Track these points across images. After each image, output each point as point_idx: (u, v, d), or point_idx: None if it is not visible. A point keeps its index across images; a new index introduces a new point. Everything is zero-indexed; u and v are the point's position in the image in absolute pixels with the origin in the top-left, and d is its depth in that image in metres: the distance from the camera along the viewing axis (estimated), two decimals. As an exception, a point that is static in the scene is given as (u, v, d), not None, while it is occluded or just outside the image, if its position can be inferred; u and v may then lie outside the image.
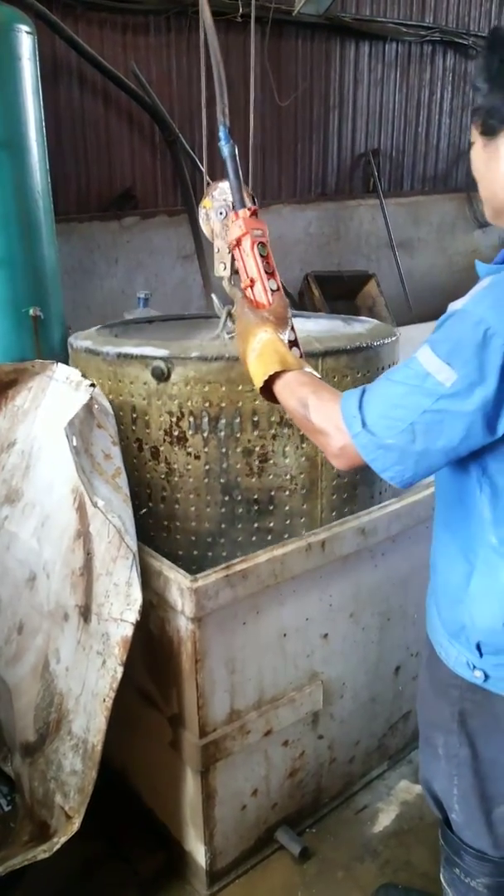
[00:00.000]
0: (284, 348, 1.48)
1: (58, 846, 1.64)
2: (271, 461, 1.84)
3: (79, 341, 2.00)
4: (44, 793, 1.81)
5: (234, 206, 1.70)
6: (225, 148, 1.72)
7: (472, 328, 1.12)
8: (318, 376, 1.46)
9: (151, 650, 1.81)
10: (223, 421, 1.81)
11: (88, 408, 1.86)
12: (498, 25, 1.20)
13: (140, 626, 1.61)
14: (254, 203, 1.70)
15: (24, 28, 3.01)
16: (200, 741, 1.76)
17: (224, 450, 1.81)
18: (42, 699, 1.87)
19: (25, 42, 3.01)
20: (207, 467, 1.89)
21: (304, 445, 1.84)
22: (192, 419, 1.81)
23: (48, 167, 3.27)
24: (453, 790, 1.48)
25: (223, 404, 1.80)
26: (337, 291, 5.69)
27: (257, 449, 1.82)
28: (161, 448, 1.87)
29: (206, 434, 1.82)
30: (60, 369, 2.14)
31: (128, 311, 3.99)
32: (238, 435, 1.81)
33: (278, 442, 1.83)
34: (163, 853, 2.02)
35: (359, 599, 2.00)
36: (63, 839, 1.64)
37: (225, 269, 1.89)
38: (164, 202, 4.95)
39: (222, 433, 1.81)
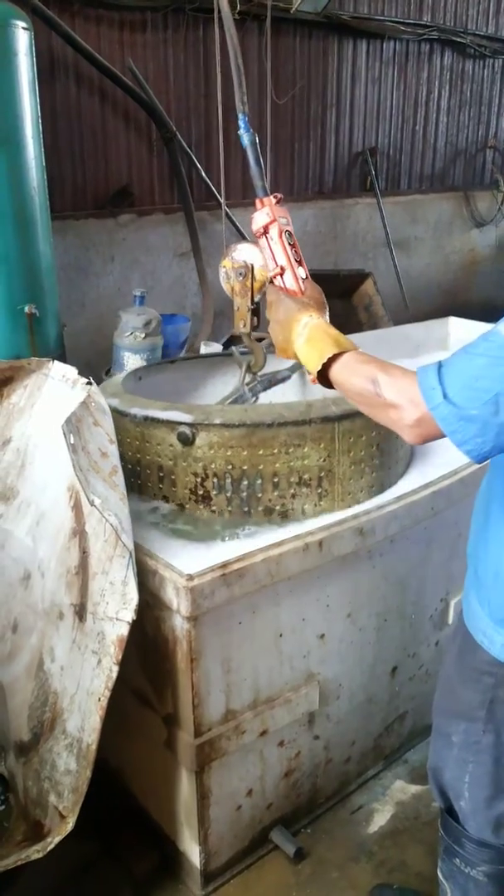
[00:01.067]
0: (335, 331, 1.47)
1: (52, 846, 1.63)
2: (291, 519, 1.89)
3: (107, 399, 2.01)
4: (38, 792, 1.80)
5: (257, 194, 1.69)
6: (245, 136, 1.71)
7: None
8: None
9: (146, 649, 1.81)
10: (245, 482, 1.87)
11: (85, 405, 1.85)
12: None
13: (135, 626, 1.60)
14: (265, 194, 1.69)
15: (21, 24, 3.00)
16: (195, 741, 1.76)
17: (246, 508, 1.87)
18: (36, 698, 1.86)
19: (22, 38, 3.00)
20: (232, 524, 1.95)
21: (321, 503, 1.91)
22: (215, 480, 1.88)
23: (44, 164, 3.26)
24: (465, 777, 1.50)
25: (245, 467, 1.86)
26: (333, 290, 5.66)
27: (277, 507, 1.88)
28: (186, 505, 1.93)
29: (229, 494, 1.88)
30: (56, 367, 2.12)
31: (123, 308, 3.98)
32: (259, 495, 1.87)
33: (297, 500, 1.89)
34: (157, 853, 2.02)
35: (356, 600, 2.00)
36: (57, 839, 1.63)
37: (245, 326, 1.96)
38: (161, 200, 4.93)
39: (244, 493, 1.87)
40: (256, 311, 1.97)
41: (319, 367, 1.43)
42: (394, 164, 6.32)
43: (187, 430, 1.87)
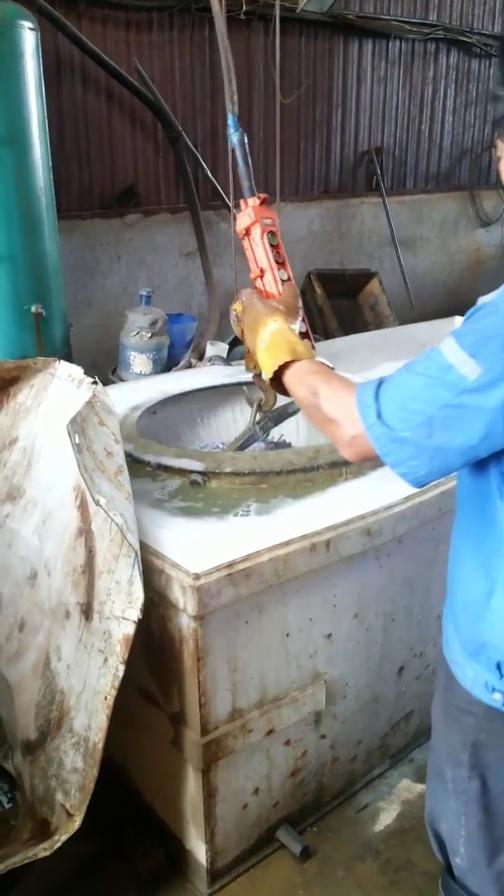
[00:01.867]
0: (295, 337, 1.46)
1: (59, 844, 1.63)
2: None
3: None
4: (45, 790, 1.81)
5: (243, 195, 1.69)
6: (234, 136, 1.71)
7: (500, 321, 1.06)
8: (331, 366, 1.45)
9: (153, 648, 1.81)
10: None
11: (91, 405, 1.85)
12: None
13: (141, 624, 1.60)
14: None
15: (28, 24, 3.01)
16: (202, 739, 1.76)
17: None
18: (43, 697, 1.87)
19: (28, 38, 3.01)
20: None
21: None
22: None
23: (51, 164, 3.27)
24: (461, 831, 1.40)
25: None
26: (339, 289, 5.68)
27: None
28: None
29: None
30: (62, 366, 2.13)
31: (129, 308, 3.99)
32: None
33: None
34: (163, 851, 2.02)
35: (363, 600, 2.00)
36: (64, 837, 1.64)
37: (255, 367, 1.96)
38: (167, 199, 4.94)
39: None
40: None
41: (271, 375, 1.43)
42: (399, 163, 6.32)
43: (199, 478, 1.94)
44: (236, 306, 1.92)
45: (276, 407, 2.24)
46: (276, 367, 1.43)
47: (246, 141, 1.73)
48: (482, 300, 1.13)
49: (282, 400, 2.20)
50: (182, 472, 2.01)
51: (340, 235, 6.01)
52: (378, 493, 1.96)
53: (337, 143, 5.81)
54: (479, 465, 1.21)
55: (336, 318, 5.43)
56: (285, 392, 1.45)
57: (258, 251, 1.63)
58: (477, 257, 7.04)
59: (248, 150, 1.72)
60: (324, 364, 1.43)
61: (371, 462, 1.25)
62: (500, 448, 1.13)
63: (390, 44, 5.87)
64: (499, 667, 1.25)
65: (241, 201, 1.68)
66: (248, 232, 1.65)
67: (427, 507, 1.97)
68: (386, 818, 2.19)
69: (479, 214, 6.95)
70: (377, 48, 5.81)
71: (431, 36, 6.05)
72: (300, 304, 1.58)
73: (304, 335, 1.55)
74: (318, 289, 5.46)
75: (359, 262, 6.10)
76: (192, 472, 1.96)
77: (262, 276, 1.62)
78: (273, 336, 1.46)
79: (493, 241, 7.10)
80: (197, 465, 1.97)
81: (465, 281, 6.95)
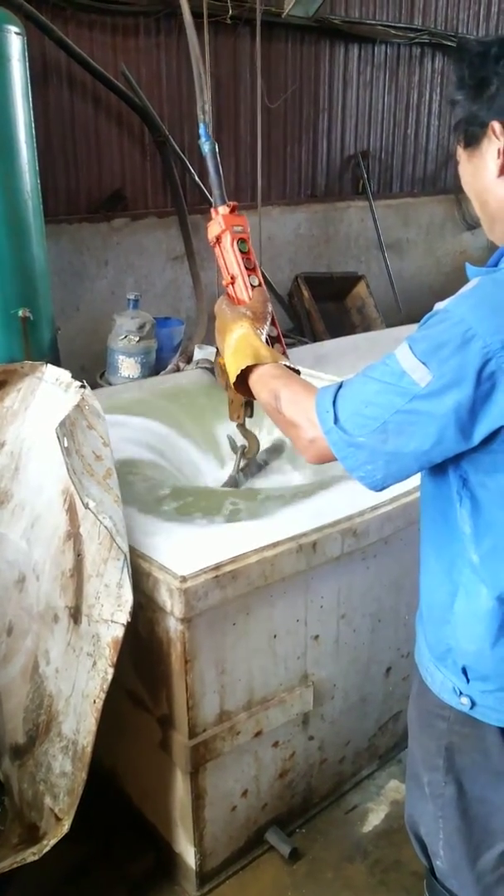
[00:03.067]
0: (259, 342, 1.48)
1: (47, 848, 1.63)
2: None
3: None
4: (33, 795, 1.81)
5: (213, 203, 1.71)
6: (205, 145, 1.72)
7: (451, 328, 1.07)
8: (297, 370, 1.47)
9: (141, 651, 1.81)
10: None
11: (79, 408, 1.86)
12: (462, 36, 1.19)
13: (129, 628, 1.60)
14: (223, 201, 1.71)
15: (14, 29, 3.01)
16: (190, 742, 1.76)
17: None
18: (31, 701, 1.86)
19: (15, 43, 3.01)
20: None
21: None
22: None
23: (37, 168, 3.27)
24: (439, 834, 1.40)
25: None
26: (326, 293, 5.70)
27: None
28: None
29: None
30: (50, 370, 2.13)
31: (117, 312, 3.99)
32: None
33: None
34: (152, 854, 2.02)
35: (350, 601, 2.01)
36: (53, 841, 1.64)
37: (238, 417, 2.04)
38: (154, 203, 4.94)
39: None
40: (250, 402, 2.03)
41: (234, 379, 1.46)
42: (386, 167, 6.34)
43: None
44: (221, 360, 1.97)
45: (259, 453, 2.27)
46: (238, 372, 1.45)
47: (217, 150, 1.75)
48: (438, 306, 1.15)
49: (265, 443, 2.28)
50: None
51: (327, 239, 6.03)
52: (364, 493, 1.98)
53: (323, 147, 5.83)
54: (440, 471, 1.23)
55: (323, 320, 5.45)
56: (251, 395, 1.49)
57: (229, 258, 1.66)
58: (463, 260, 7.05)
59: (219, 159, 1.74)
60: (288, 368, 1.45)
61: (330, 463, 1.27)
62: (452, 454, 1.15)
63: (376, 48, 5.90)
64: (464, 671, 1.26)
65: (212, 210, 1.70)
66: (218, 240, 1.68)
67: (413, 507, 1.98)
68: (374, 819, 2.20)
69: (466, 218, 6.98)
70: (363, 52, 5.83)
71: (417, 40, 6.08)
72: (269, 308, 1.60)
73: (274, 339, 1.57)
74: (305, 292, 5.48)
75: (346, 266, 6.12)
76: None
77: (233, 283, 1.64)
78: (238, 341, 1.49)
79: (479, 244, 7.14)
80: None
81: (452, 284, 6.97)
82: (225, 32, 4.82)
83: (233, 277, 1.65)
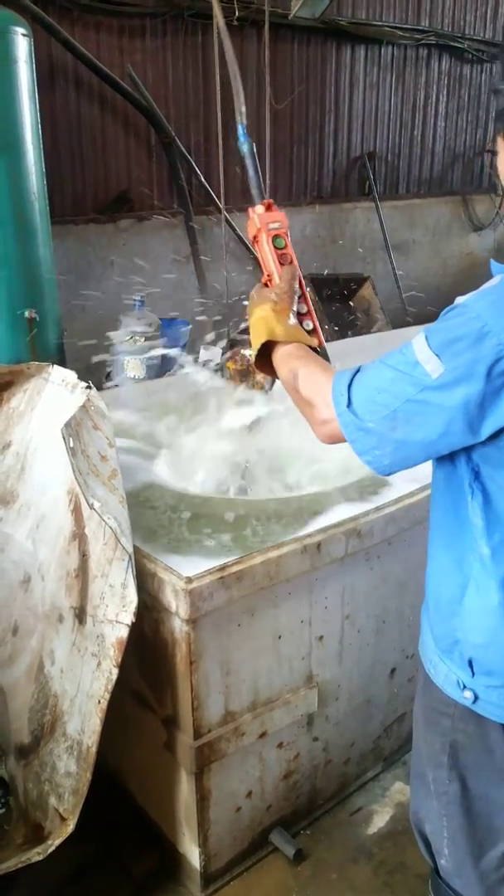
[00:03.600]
0: (275, 321, 1.49)
1: (52, 848, 1.64)
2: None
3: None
4: (38, 795, 1.81)
5: (253, 201, 1.73)
6: (244, 146, 1.73)
7: (467, 323, 1.08)
8: (321, 351, 1.48)
9: (145, 652, 1.82)
10: None
11: (85, 409, 1.86)
12: None
13: (134, 628, 1.61)
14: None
15: (21, 30, 3.02)
16: (195, 743, 1.76)
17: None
18: (36, 701, 1.87)
19: (22, 44, 3.02)
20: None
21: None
22: None
23: (44, 170, 3.28)
24: (443, 832, 1.41)
25: None
26: (333, 294, 5.70)
27: None
28: None
29: None
30: (56, 371, 2.14)
31: (123, 313, 3.99)
32: None
33: None
34: (157, 855, 2.02)
35: (354, 602, 2.01)
36: (57, 841, 1.64)
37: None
38: (160, 205, 4.96)
39: None
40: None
41: (255, 355, 1.48)
42: (392, 168, 6.34)
43: None
44: (230, 364, 2.04)
45: None
46: (255, 349, 1.48)
47: (255, 151, 1.75)
48: (459, 300, 1.15)
49: None
50: None
51: (333, 240, 6.03)
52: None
53: (330, 149, 5.84)
54: (452, 465, 1.24)
55: (329, 322, 5.45)
56: (271, 373, 1.50)
57: (265, 256, 1.67)
58: (470, 261, 7.07)
59: (256, 159, 1.74)
60: (307, 349, 1.46)
61: (340, 444, 1.29)
62: (459, 446, 1.16)
63: (382, 49, 5.90)
64: (470, 664, 1.27)
65: (249, 209, 1.71)
66: (255, 239, 1.69)
67: (416, 508, 1.98)
68: (379, 821, 2.20)
69: (472, 219, 6.98)
70: (369, 54, 5.84)
71: (423, 42, 6.08)
72: (297, 286, 1.60)
73: (310, 332, 1.57)
74: (311, 293, 5.49)
75: (352, 267, 6.12)
76: None
77: (270, 280, 1.66)
78: (256, 322, 1.52)
79: (485, 245, 7.14)
80: None
81: (458, 285, 6.96)
82: (232, 34, 4.81)
83: (269, 275, 1.66)
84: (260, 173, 1.73)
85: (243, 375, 2.01)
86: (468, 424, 1.11)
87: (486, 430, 1.11)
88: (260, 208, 1.68)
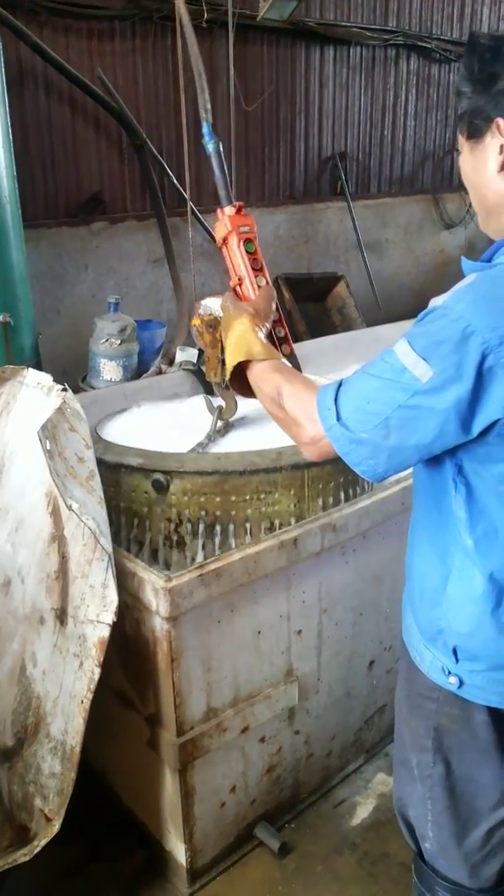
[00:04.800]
0: (254, 339, 1.49)
1: (38, 849, 1.65)
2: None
3: None
4: (23, 796, 1.82)
5: (220, 204, 1.72)
6: (210, 144, 1.73)
7: (451, 325, 1.10)
8: (299, 367, 1.49)
9: (127, 651, 1.83)
10: (218, 527, 1.94)
11: (61, 411, 1.87)
12: (474, 31, 1.21)
13: (116, 628, 1.62)
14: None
15: (-11, 34, 3.01)
16: (178, 740, 1.78)
17: (220, 553, 1.90)
18: (19, 703, 1.87)
19: (-10, 48, 3.01)
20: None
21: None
22: (189, 525, 1.94)
23: (15, 173, 3.27)
24: (427, 815, 1.44)
25: (218, 513, 1.92)
26: (307, 293, 5.73)
27: None
28: (160, 551, 1.98)
29: (202, 539, 1.94)
30: (31, 374, 2.14)
31: (98, 315, 3.99)
32: (232, 540, 1.93)
33: None
34: (143, 853, 2.04)
35: (331, 595, 2.03)
36: (43, 842, 1.65)
37: (215, 375, 2.05)
38: (133, 207, 4.96)
39: (217, 538, 1.94)
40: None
41: (229, 376, 1.48)
42: (363, 167, 6.39)
43: (162, 478, 1.93)
44: (195, 321, 1.97)
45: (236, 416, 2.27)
46: (231, 368, 1.48)
47: (221, 150, 1.75)
48: (433, 302, 1.17)
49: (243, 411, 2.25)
50: (145, 471, 1.98)
51: (307, 240, 6.07)
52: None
53: (301, 149, 5.87)
54: (435, 461, 1.26)
55: (304, 321, 5.48)
56: (249, 392, 1.49)
57: (236, 259, 1.67)
58: (442, 259, 7.14)
59: (223, 158, 1.75)
60: (286, 365, 1.46)
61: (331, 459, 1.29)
62: (452, 445, 1.18)
63: (351, 50, 5.94)
64: (454, 651, 1.30)
65: (218, 210, 1.71)
66: (225, 241, 1.69)
67: (390, 502, 2.02)
68: (362, 812, 2.23)
69: (443, 217, 7.05)
70: (338, 54, 5.87)
71: (391, 42, 6.13)
72: (275, 307, 1.61)
73: (282, 339, 1.58)
74: (286, 293, 5.51)
75: (326, 266, 6.16)
76: (154, 471, 1.95)
77: (240, 284, 1.66)
78: (236, 338, 1.51)
79: (456, 242, 7.21)
80: (160, 465, 1.96)
81: (431, 282, 7.05)
82: (201, 35, 4.83)
83: (240, 279, 1.66)
84: (226, 173, 1.73)
85: (211, 328, 1.96)
86: (461, 423, 1.13)
87: (477, 427, 1.13)
88: (230, 210, 1.68)
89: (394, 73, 6.34)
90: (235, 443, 2.17)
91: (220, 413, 2.20)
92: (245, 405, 2.21)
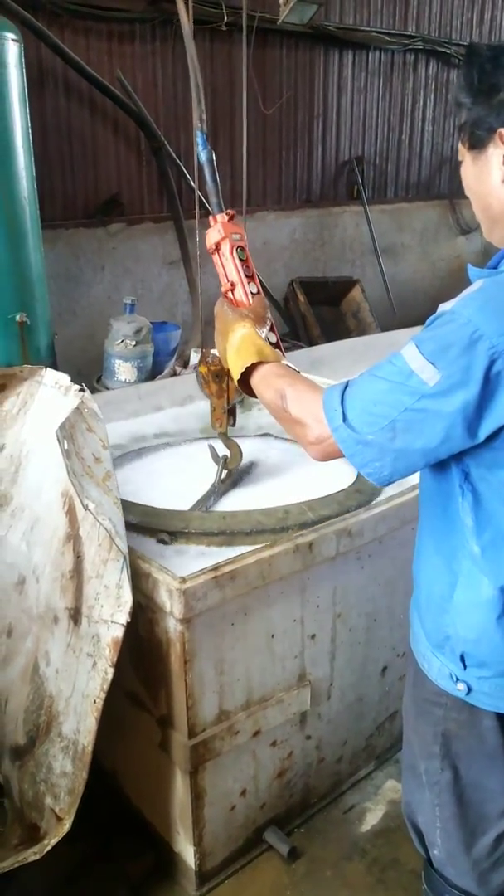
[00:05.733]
0: (261, 342, 1.51)
1: (48, 848, 1.65)
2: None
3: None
4: (34, 795, 1.82)
5: (212, 211, 1.74)
6: (202, 154, 1.75)
7: (458, 329, 1.10)
8: (297, 370, 1.50)
9: (140, 652, 1.83)
10: None
11: (78, 411, 1.88)
12: (472, 41, 1.22)
13: (129, 628, 1.62)
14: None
15: (10, 35, 3.04)
16: (189, 742, 1.78)
17: None
18: (32, 702, 1.88)
19: (11, 49, 3.04)
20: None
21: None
22: None
23: (34, 174, 3.29)
24: (436, 822, 1.43)
25: None
26: (322, 297, 5.73)
27: None
28: None
29: None
30: (49, 374, 2.15)
31: (114, 317, 4.01)
32: None
33: None
34: (152, 854, 2.03)
35: (346, 600, 2.03)
36: (54, 840, 1.65)
37: (221, 426, 2.09)
38: (150, 209, 4.98)
39: None
40: (233, 410, 2.08)
41: (239, 377, 1.49)
42: (380, 172, 6.39)
43: (167, 538, 1.95)
44: (202, 368, 1.99)
45: (241, 465, 2.28)
46: (243, 368, 1.48)
47: (214, 158, 1.77)
48: (442, 308, 1.17)
49: (247, 458, 2.28)
50: (150, 530, 1.99)
51: (323, 244, 6.07)
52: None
53: (318, 153, 5.88)
54: (442, 467, 1.26)
55: (319, 325, 5.48)
56: (253, 394, 1.51)
57: (228, 266, 1.69)
58: (458, 265, 7.13)
59: (216, 167, 1.76)
60: (290, 367, 1.47)
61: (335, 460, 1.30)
62: (458, 450, 1.18)
63: (370, 55, 5.95)
64: (462, 658, 1.30)
65: (210, 217, 1.72)
66: (217, 247, 1.70)
67: (406, 507, 2.01)
68: (372, 818, 2.22)
69: (460, 222, 7.03)
70: (357, 59, 5.88)
71: (411, 47, 6.13)
72: (268, 314, 1.63)
73: (273, 346, 1.59)
74: (301, 297, 5.51)
75: (341, 271, 6.16)
76: (160, 531, 1.97)
77: (232, 290, 1.67)
78: (241, 340, 1.52)
79: (473, 248, 7.19)
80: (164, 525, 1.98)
81: (447, 288, 7.03)
82: (220, 39, 4.86)
83: (232, 285, 1.67)
84: (219, 182, 1.75)
85: (217, 378, 1.98)
86: (467, 428, 1.13)
87: (484, 431, 1.13)
88: (223, 217, 1.70)
89: (412, 78, 6.34)
90: (241, 495, 2.19)
91: (224, 462, 2.21)
92: (249, 453, 2.23)
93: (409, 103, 6.41)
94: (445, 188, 6.92)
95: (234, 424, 2.13)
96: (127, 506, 2.02)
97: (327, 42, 5.59)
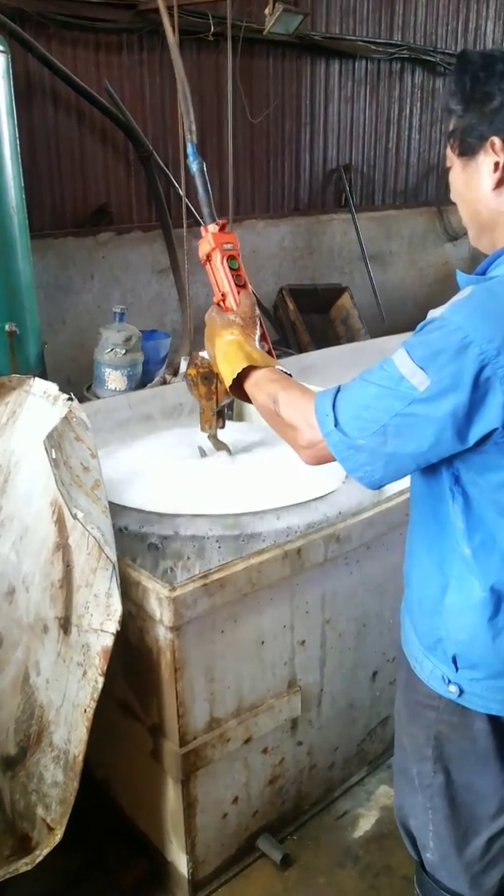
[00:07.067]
0: (251, 346, 1.52)
1: (40, 858, 1.64)
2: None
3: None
4: (25, 805, 1.81)
5: (203, 222, 1.75)
6: (194, 164, 1.76)
7: (448, 335, 1.11)
8: (290, 374, 1.51)
9: (131, 660, 1.83)
10: None
11: (67, 421, 1.88)
12: (464, 49, 1.23)
13: (119, 637, 1.62)
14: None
15: (-2, 47, 3.05)
16: (181, 750, 1.78)
17: None
18: (22, 712, 1.87)
19: (-1, 61, 3.05)
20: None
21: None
22: None
23: (23, 184, 3.30)
24: (429, 825, 1.44)
25: None
26: (311, 304, 5.76)
27: None
28: None
29: None
30: (37, 384, 2.16)
31: (103, 325, 4.02)
32: None
33: None
34: (145, 863, 2.03)
35: (335, 606, 2.03)
36: (45, 851, 1.64)
37: (210, 427, 2.11)
38: (139, 218, 4.99)
39: None
40: (222, 412, 2.10)
41: (230, 382, 1.50)
42: (368, 180, 6.43)
43: (157, 542, 1.96)
44: (191, 370, 2.00)
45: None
46: (234, 374, 1.49)
47: (205, 168, 1.79)
48: (432, 314, 1.19)
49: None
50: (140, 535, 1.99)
51: (311, 251, 6.10)
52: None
53: (306, 161, 5.91)
54: (432, 470, 1.27)
55: (308, 332, 5.51)
56: (247, 399, 1.52)
57: (219, 276, 1.70)
58: (445, 271, 7.17)
59: (207, 177, 1.78)
60: (282, 372, 1.48)
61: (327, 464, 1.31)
62: (448, 454, 1.19)
63: (356, 63, 5.99)
64: (454, 660, 1.31)
65: (202, 228, 1.74)
66: (208, 258, 1.72)
67: (394, 512, 2.02)
68: (365, 824, 2.22)
69: (447, 229, 7.08)
70: (344, 68, 5.92)
71: (396, 55, 6.18)
72: (257, 312, 1.64)
73: (267, 352, 1.60)
74: (290, 304, 5.54)
75: (330, 278, 6.19)
76: (150, 534, 1.97)
77: (224, 300, 1.69)
78: (230, 346, 1.53)
79: (460, 255, 7.23)
80: (155, 529, 1.99)
81: (435, 294, 7.07)
82: (207, 49, 4.89)
83: (223, 294, 1.69)
84: (210, 193, 1.77)
85: (206, 380, 2.00)
86: (457, 433, 1.14)
87: (474, 436, 1.14)
88: (214, 227, 1.72)
89: (398, 86, 6.39)
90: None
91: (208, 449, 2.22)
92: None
93: (396, 111, 6.45)
94: (433, 195, 6.97)
95: (223, 426, 2.15)
96: (118, 509, 2.02)
97: (314, 51, 5.63)
